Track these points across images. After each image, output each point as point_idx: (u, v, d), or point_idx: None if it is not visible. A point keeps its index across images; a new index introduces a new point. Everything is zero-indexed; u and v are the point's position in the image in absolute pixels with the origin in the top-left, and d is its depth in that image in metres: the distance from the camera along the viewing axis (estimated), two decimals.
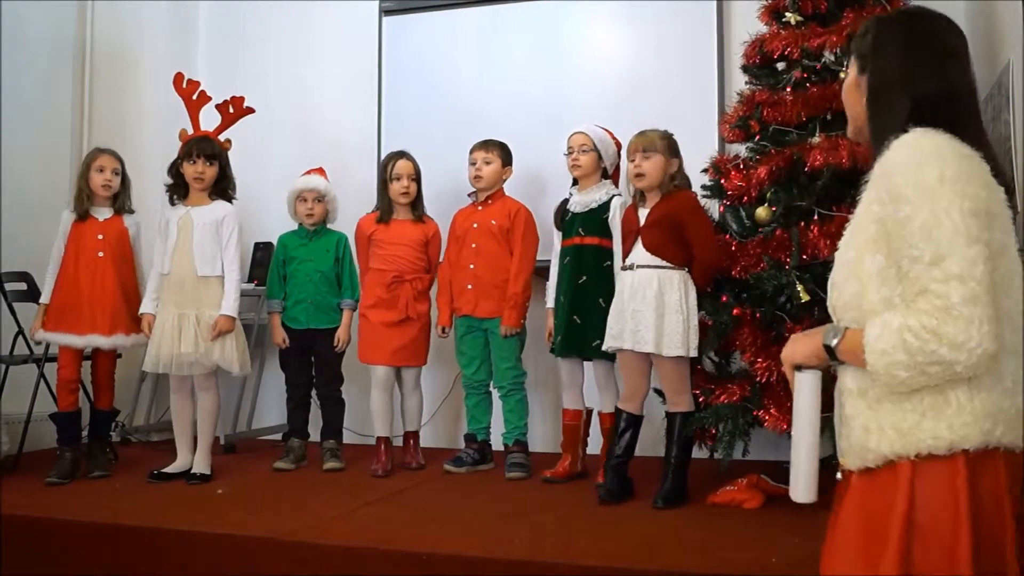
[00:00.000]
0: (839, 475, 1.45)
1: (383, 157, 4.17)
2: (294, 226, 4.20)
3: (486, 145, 3.97)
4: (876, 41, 1.49)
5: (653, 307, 3.17)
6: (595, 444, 3.76)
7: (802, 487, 1.47)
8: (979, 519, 1.26)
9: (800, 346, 1.48)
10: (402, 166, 4.00)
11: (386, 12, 4.84)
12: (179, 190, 3.85)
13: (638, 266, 3.25)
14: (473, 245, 3.92)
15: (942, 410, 1.30)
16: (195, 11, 5.27)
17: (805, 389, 1.46)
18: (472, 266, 3.91)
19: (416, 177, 4.03)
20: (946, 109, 1.40)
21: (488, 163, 3.94)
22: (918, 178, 1.30)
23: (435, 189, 4.16)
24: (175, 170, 3.85)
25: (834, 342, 1.39)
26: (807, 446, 1.46)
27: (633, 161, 3.30)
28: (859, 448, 1.38)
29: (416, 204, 4.06)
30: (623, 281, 3.30)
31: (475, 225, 3.94)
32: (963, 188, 1.29)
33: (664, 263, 3.22)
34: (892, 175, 1.33)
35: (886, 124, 1.42)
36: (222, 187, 3.86)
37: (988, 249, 1.27)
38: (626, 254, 3.33)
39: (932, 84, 1.42)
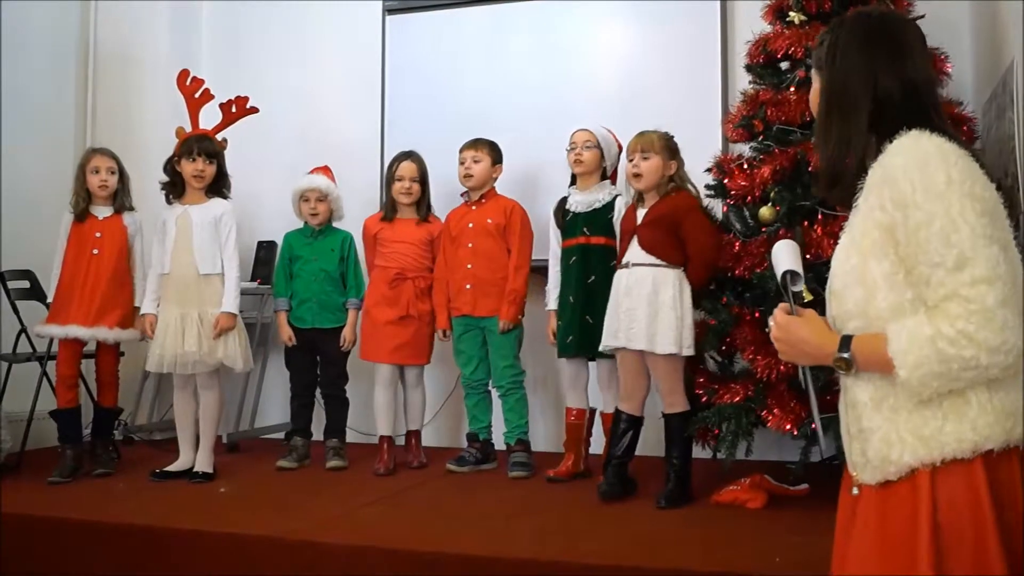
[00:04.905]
0: (855, 490, 1.40)
1: (392, 157, 4.16)
2: (300, 225, 4.19)
3: (475, 144, 3.96)
4: (831, 47, 1.47)
5: (646, 305, 3.17)
6: (597, 444, 3.76)
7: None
8: (1002, 518, 1.24)
9: (805, 346, 1.42)
10: (406, 168, 4.00)
11: (389, 11, 4.83)
12: (175, 188, 3.83)
13: (633, 264, 3.25)
14: (470, 244, 3.91)
15: (963, 412, 1.27)
16: (198, 11, 5.25)
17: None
18: (470, 265, 3.89)
19: (420, 179, 4.03)
20: (908, 105, 1.39)
21: (477, 161, 3.93)
22: (926, 182, 1.28)
23: (437, 188, 4.15)
24: (171, 168, 3.83)
25: (847, 355, 1.34)
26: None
27: (632, 161, 3.31)
28: (880, 462, 1.33)
29: (420, 205, 4.06)
30: (619, 280, 3.30)
31: (471, 225, 3.93)
32: (971, 189, 1.27)
33: (659, 261, 3.21)
34: (896, 180, 1.31)
35: (847, 125, 1.41)
36: (218, 186, 3.85)
37: (1002, 250, 1.25)
38: (623, 253, 3.33)
39: (894, 81, 1.40)
